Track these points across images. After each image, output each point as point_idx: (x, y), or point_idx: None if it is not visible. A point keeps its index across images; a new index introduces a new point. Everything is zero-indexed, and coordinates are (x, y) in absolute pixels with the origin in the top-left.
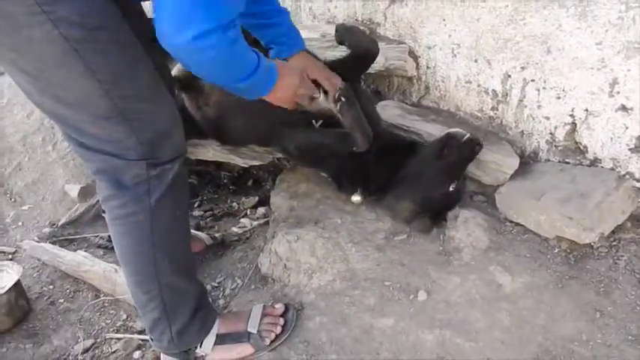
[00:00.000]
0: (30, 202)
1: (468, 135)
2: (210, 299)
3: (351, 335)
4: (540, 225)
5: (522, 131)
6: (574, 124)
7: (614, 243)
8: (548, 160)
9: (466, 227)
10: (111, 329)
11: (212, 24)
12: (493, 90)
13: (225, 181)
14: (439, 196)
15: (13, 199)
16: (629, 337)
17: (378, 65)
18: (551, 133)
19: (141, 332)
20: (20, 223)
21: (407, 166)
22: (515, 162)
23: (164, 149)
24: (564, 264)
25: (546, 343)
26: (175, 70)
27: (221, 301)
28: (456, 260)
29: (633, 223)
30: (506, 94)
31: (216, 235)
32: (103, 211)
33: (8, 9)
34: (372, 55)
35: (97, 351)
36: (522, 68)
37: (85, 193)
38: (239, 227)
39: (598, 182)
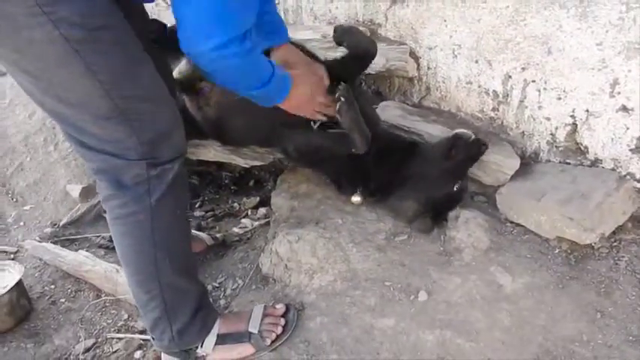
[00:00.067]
0: (32, 202)
1: (475, 136)
2: (211, 299)
3: (352, 335)
4: (541, 225)
5: (523, 132)
6: (575, 124)
7: (615, 244)
8: (549, 161)
9: (467, 228)
10: (112, 329)
11: (229, 35)
12: (494, 91)
13: (226, 181)
14: (443, 195)
15: (14, 199)
16: (630, 338)
17: (379, 66)
18: (551, 134)
19: (142, 332)
20: (22, 223)
21: (410, 165)
22: (515, 163)
23: (164, 149)
24: (565, 264)
25: (547, 343)
26: (176, 72)
27: (222, 302)
28: (456, 261)
29: (634, 224)
30: (507, 95)
31: (218, 235)
32: (104, 211)
33: (9, 10)
34: (370, 55)
35: (98, 351)
36: (523, 69)
37: (87, 193)
38: (240, 227)
39: (599, 183)
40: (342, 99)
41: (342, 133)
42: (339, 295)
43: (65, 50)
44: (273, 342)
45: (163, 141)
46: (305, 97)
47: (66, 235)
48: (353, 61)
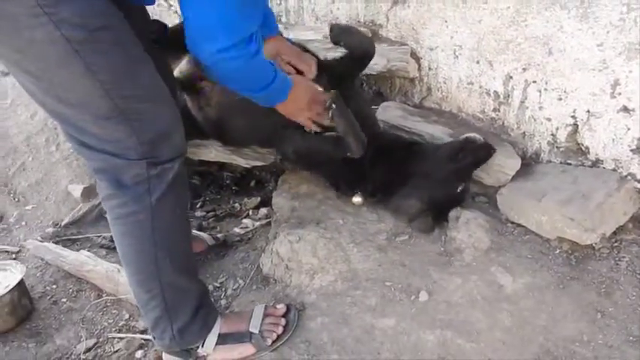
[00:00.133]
0: (33, 202)
1: (484, 140)
2: (211, 299)
3: (353, 335)
4: (542, 226)
5: (524, 132)
6: (576, 125)
7: (616, 244)
8: (550, 162)
9: (467, 228)
10: (113, 329)
11: (235, 39)
12: (495, 91)
13: (227, 181)
14: (446, 196)
15: (16, 199)
16: (631, 338)
17: (380, 66)
18: (552, 135)
19: (143, 332)
20: (24, 223)
21: (414, 165)
22: (516, 163)
23: (164, 149)
24: (565, 265)
25: (547, 343)
26: (177, 71)
27: (223, 302)
28: (457, 261)
29: (635, 224)
30: (508, 96)
31: (219, 235)
32: (106, 212)
33: (10, 10)
34: (368, 56)
35: (99, 350)
36: (524, 70)
37: (88, 193)
38: (241, 228)
39: (599, 183)
40: (334, 106)
41: (339, 136)
42: (339, 295)
43: (66, 50)
44: (274, 342)
45: (163, 141)
46: (302, 102)
47: (67, 235)
48: (352, 61)
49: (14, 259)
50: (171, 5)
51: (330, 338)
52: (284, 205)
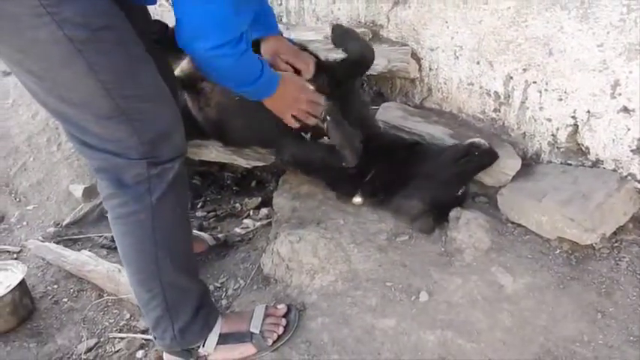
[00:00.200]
0: (35, 202)
1: (489, 145)
2: (212, 299)
3: (353, 336)
4: (542, 226)
5: (524, 133)
6: (576, 125)
7: (616, 244)
8: (550, 162)
9: (468, 228)
10: (114, 328)
11: (225, 38)
12: (495, 92)
13: (228, 182)
14: (448, 198)
15: (18, 199)
16: (631, 338)
17: (380, 67)
18: (553, 135)
19: (144, 332)
20: (25, 223)
21: (416, 165)
22: (517, 163)
23: (165, 149)
24: (566, 265)
25: (548, 343)
26: (178, 70)
27: (224, 302)
28: (457, 261)
29: (635, 225)
30: (509, 96)
31: (219, 235)
32: (107, 211)
33: (13, 10)
34: (367, 62)
35: (100, 350)
36: (524, 70)
37: (89, 193)
38: (242, 228)
39: (600, 183)
40: (328, 118)
41: (333, 145)
42: (340, 295)
43: (69, 50)
44: (274, 342)
45: (164, 140)
46: (289, 98)
47: (69, 235)
48: (351, 65)
49: (15, 259)
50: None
51: (330, 338)
52: (285, 206)
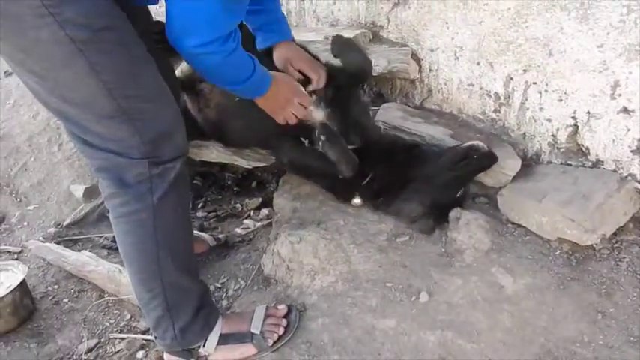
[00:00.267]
0: (35, 203)
1: (488, 149)
2: (213, 299)
3: (353, 336)
4: (542, 227)
5: (524, 133)
6: (576, 126)
7: (616, 245)
8: (550, 162)
9: (468, 229)
10: (115, 329)
11: (213, 36)
12: (495, 92)
13: (228, 182)
14: (448, 201)
15: (18, 200)
16: (631, 339)
17: (381, 68)
18: (553, 136)
19: (144, 332)
20: (26, 223)
21: (416, 169)
22: (517, 164)
23: (166, 149)
24: (566, 265)
25: (548, 344)
26: (179, 71)
27: (224, 302)
28: (457, 262)
29: (635, 225)
30: (509, 97)
31: (220, 236)
32: (108, 211)
33: (16, 10)
34: (365, 74)
35: (100, 350)
36: (524, 71)
37: (90, 193)
38: (242, 228)
39: (600, 184)
40: (322, 137)
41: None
42: (340, 295)
43: (71, 51)
44: (274, 342)
45: (165, 140)
46: (281, 98)
47: (69, 236)
48: (349, 77)
49: (16, 259)
50: None
51: (330, 339)
52: (285, 206)
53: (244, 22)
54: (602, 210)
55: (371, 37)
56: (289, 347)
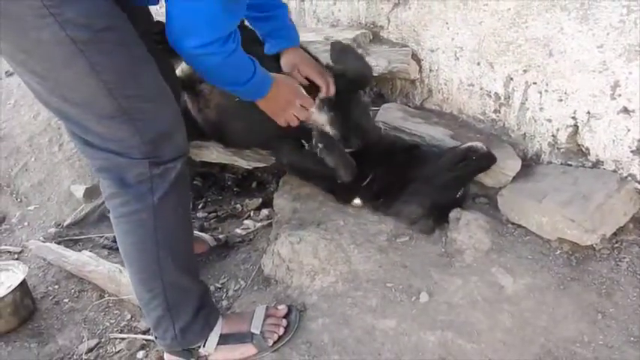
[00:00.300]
0: (36, 203)
1: (486, 149)
2: (213, 299)
3: (354, 336)
4: (542, 227)
5: (524, 134)
6: (576, 126)
7: (616, 245)
8: (551, 163)
9: (468, 229)
10: (115, 329)
11: (213, 36)
12: (495, 93)
13: (229, 182)
14: (447, 202)
15: (19, 200)
16: (631, 339)
17: (381, 68)
18: (553, 136)
19: (145, 332)
20: (26, 223)
21: (415, 171)
22: (517, 164)
23: (167, 148)
24: (566, 266)
25: (548, 344)
26: (179, 71)
27: (224, 302)
28: (457, 262)
29: (635, 225)
30: (509, 97)
31: (220, 236)
32: (109, 211)
33: (17, 11)
34: (366, 81)
35: (101, 350)
36: (524, 71)
37: (91, 193)
38: (242, 229)
39: (600, 184)
40: (320, 145)
41: None
42: (340, 296)
43: (71, 51)
44: (275, 343)
45: (165, 140)
46: (281, 101)
47: (70, 236)
48: (349, 84)
49: (17, 259)
50: None
51: (331, 339)
52: (285, 207)
53: (253, 29)
54: (603, 210)
55: (371, 37)
56: (289, 347)
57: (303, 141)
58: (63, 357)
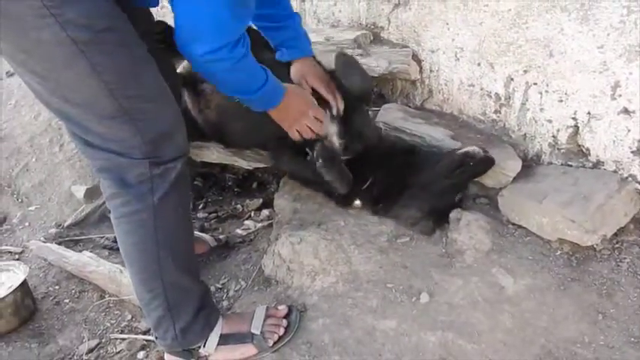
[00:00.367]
0: (37, 203)
1: (484, 152)
2: (213, 299)
3: (354, 337)
4: (542, 227)
5: (525, 134)
6: (576, 127)
7: (617, 245)
8: (551, 163)
9: (469, 230)
10: (115, 329)
11: (221, 42)
12: (496, 93)
13: (229, 183)
14: (446, 205)
15: (20, 200)
16: (632, 339)
17: (381, 69)
18: (553, 136)
19: (145, 333)
20: (27, 224)
21: (414, 176)
22: (517, 165)
23: (167, 149)
24: (566, 266)
25: (548, 344)
26: (181, 68)
27: (225, 303)
28: (458, 262)
29: (636, 226)
30: (509, 98)
31: (221, 236)
32: (109, 212)
33: (17, 11)
34: (366, 96)
35: (101, 351)
36: (525, 72)
37: (91, 194)
38: (243, 229)
39: (600, 185)
40: (320, 160)
41: None
42: (341, 296)
43: (72, 51)
44: (275, 343)
45: (165, 140)
46: (294, 112)
47: (70, 236)
48: (351, 98)
49: (17, 259)
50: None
51: (331, 339)
52: (286, 207)
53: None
54: (603, 211)
55: (372, 38)
56: (290, 348)
57: (307, 149)
58: (63, 357)
